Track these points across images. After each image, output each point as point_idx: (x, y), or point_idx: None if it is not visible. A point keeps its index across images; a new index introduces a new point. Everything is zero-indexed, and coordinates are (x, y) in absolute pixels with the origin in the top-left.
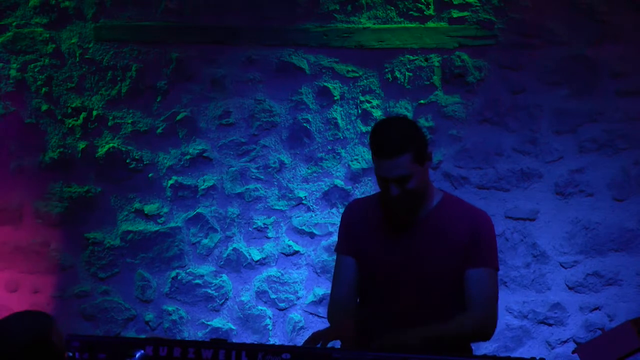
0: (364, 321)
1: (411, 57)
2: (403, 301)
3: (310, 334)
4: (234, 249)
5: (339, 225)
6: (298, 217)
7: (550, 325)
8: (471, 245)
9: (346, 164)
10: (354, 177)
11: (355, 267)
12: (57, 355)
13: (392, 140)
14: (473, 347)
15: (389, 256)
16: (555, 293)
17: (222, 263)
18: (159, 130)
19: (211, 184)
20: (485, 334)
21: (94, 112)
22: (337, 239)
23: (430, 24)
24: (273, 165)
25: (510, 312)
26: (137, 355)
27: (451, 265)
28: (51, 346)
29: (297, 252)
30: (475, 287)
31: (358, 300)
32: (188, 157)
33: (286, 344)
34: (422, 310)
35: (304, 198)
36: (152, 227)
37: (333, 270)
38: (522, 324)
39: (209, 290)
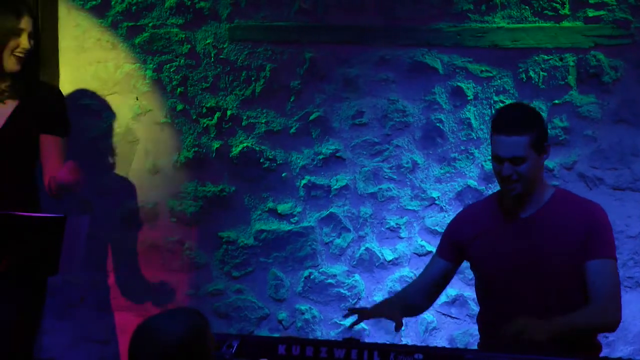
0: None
1: (546, 57)
2: (520, 301)
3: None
4: (367, 249)
5: None
6: (431, 217)
7: None
8: (588, 239)
9: (479, 164)
10: (487, 177)
11: (440, 269)
12: (208, 354)
13: (516, 119)
14: (608, 350)
15: (502, 256)
16: None
17: (354, 263)
18: (292, 130)
19: (344, 184)
20: (612, 324)
21: (228, 112)
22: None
23: (565, 24)
24: (406, 165)
25: None
26: None
27: (568, 262)
28: (205, 344)
29: (429, 252)
30: (598, 279)
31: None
32: (321, 156)
33: (418, 344)
34: (539, 308)
35: (437, 198)
36: (286, 227)
37: (465, 272)
38: None
39: (342, 290)
